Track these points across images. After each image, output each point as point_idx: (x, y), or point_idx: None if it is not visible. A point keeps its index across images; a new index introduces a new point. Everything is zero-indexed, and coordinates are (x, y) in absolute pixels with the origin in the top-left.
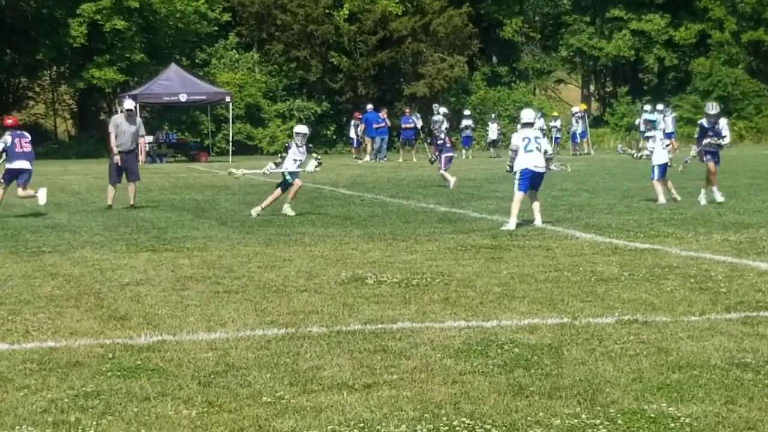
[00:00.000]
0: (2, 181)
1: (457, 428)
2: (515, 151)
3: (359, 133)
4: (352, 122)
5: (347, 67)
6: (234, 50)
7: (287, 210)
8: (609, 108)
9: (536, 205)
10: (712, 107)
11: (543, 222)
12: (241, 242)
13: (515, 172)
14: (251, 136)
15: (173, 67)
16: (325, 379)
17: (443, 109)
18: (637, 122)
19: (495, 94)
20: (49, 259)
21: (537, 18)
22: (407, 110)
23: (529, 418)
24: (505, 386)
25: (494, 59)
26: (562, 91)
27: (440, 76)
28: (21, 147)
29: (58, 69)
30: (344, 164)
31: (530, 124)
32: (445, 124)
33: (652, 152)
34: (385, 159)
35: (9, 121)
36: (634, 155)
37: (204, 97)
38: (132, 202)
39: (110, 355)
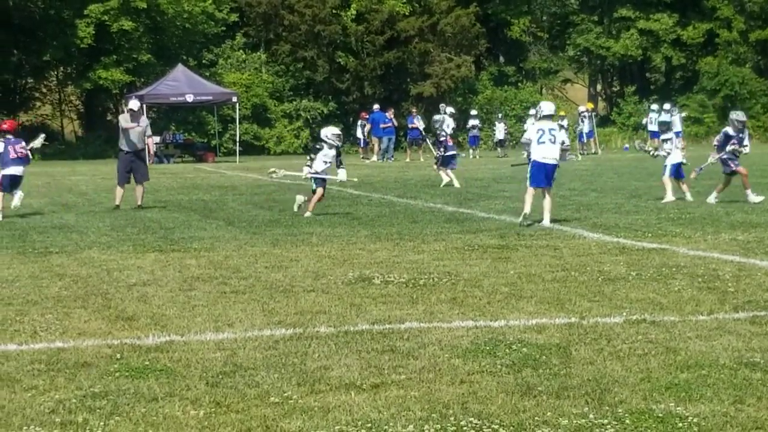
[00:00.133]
0: (2, 189)
1: (465, 428)
2: (528, 144)
3: (366, 133)
4: (359, 122)
5: (354, 67)
6: (241, 50)
7: (305, 212)
8: (616, 107)
9: (546, 204)
10: (742, 114)
11: (551, 222)
12: (249, 242)
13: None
14: (258, 137)
15: (180, 67)
16: (333, 380)
17: (450, 109)
18: (644, 121)
19: (502, 93)
20: (57, 260)
21: (544, 17)
22: (414, 110)
23: (537, 418)
24: (513, 386)
25: (501, 59)
26: (569, 90)
27: (447, 75)
28: (15, 153)
29: (65, 70)
30: (351, 164)
31: (549, 117)
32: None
33: (669, 154)
34: (393, 159)
35: (5, 126)
36: (651, 153)
37: (211, 98)
38: (139, 203)
39: (118, 356)
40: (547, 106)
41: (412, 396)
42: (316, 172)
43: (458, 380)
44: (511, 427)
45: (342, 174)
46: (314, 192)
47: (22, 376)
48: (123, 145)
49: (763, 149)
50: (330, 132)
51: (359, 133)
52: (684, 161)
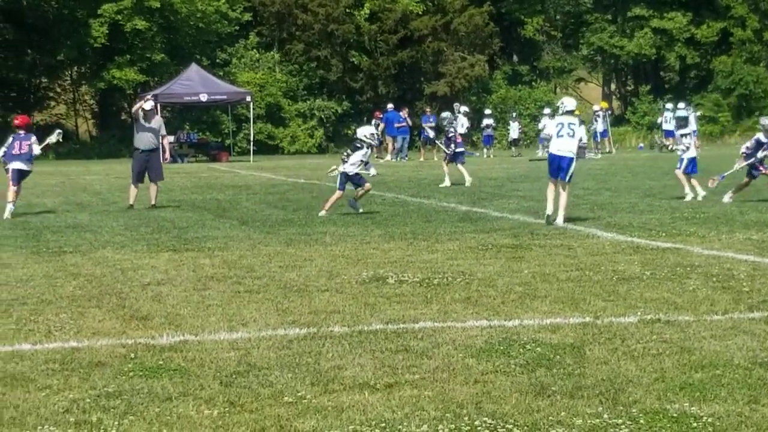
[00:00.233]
0: (11, 182)
1: (479, 428)
2: (548, 140)
3: (380, 132)
4: (373, 121)
5: (368, 67)
6: (254, 50)
7: (323, 213)
8: (630, 106)
9: (562, 202)
10: None
11: (565, 221)
12: (262, 242)
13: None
14: (272, 136)
15: (194, 67)
16: (347, 379)
17: (464, 108)
18: (659, 120)
19: (516, 93)
20: (71, 259)
21: (558, 16)
22: (428, 109)
23: (551, 417)
24: (527, 386)
25: (515, 58)
26: (583, 89)
27: (461, 75)
28: (19, 149)
29: (79, 69)
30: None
31: (571, 113)
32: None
33: (688, 148)
34: (407, 158)
35: (16, 122)
36: (670, 146)
37: (225, 97)
38: (153, 202)
39: (132, 355)
40: (569, 102)
41: (426, 396)
42: (346, 173)
43: (472, 380)
44: (526, 427)
45: (373, 169)
46: (337, 191)
47: (37, 375)
48: (137, 144)
49: None
50: (368, 132)
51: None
52: (694, 156)
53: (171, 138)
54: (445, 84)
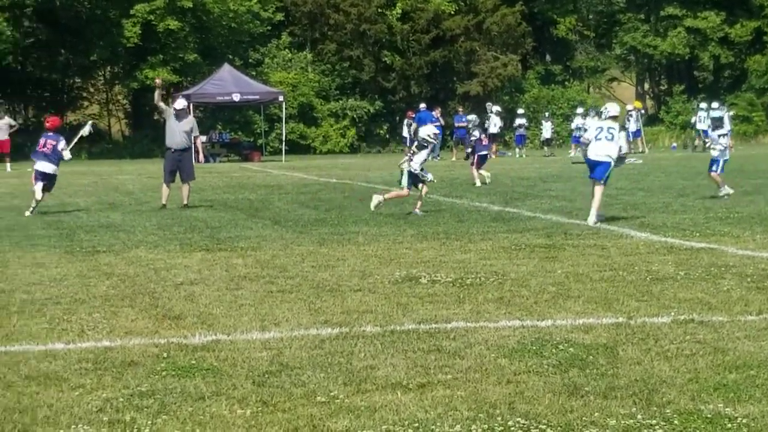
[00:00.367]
0: (35, 180)
1: (512, 428)
2: (586, 145)
3: (412, 132)
4: (405, 121)
5: (400, 66)
6: (287, 50)
7: (373, 206)
8: (664, 106)
9: (595, 202)
10: None
11: (596, 221)
12: (295, 242)
13: None
14: (304, 136)
15: (226, 66)
16: (379, 379)
17: (497, 108)
18: (692, 120)
19: (549, 92)
20: (104, 259)
21: (591, 16)
22: (460, 109)
23: (584, 418)
24: (560, 386)
25: (548, 57)
26: (616, 89)
27: (493, 74)
28: (44, 146)
29: (112, 69)
30: (397, 163)
31: (614, 118)
32: (499, 122)
33: (725, 149)
34: (439, 158)
35: (47, 123)
36: (707, 145)
37: (257, 97)
38: (185, 202)
39: (165, 355)
40: (613, 108)
41: (459, 396)
42: (416, 170)
43: (505, 380)
44: (559, 428)
45: (429, 174)
46: (405, 189)
47: (70, 374)
48: (169, 143)
49: None
50: (430, 131)
51: (405, 132)
52: (727, 158)
53: (203, 138)
54: (477, 84)
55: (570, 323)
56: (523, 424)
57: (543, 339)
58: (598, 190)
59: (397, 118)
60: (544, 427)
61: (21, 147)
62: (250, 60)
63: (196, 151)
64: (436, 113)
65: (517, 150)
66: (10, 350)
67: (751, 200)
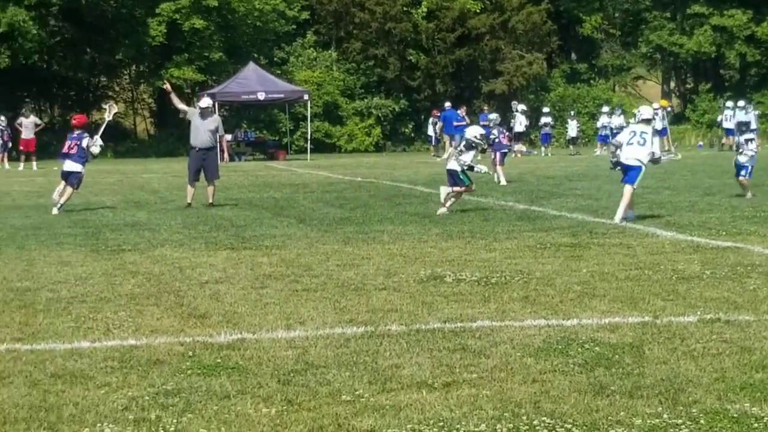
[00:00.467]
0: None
1: (537, 427)
2: (617, 147)
3: (437, 130)
4: (430, 120)
5: (425, 65)
6: (312, 48)
7: (443, 209)
8: (690, 104)
9: (623, 201)
10: None
11: (621, 219)
12: (320, 240)
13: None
14: (329, 134)
15: (251, 65)
16: (405, 378)
17: (522, 106)
18: (719, 119)
19: (574, 91)
20: (130, 257)
21: (616, 14)
22: (485, 107)
23: (610, 417)
24: (585, 385)
25: (573, 56)
26: (641, 87)
27: (519, 73)
28: (68, 148)
29: (138, 68)
30: (422, 162)
31: (647, 121)
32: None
33: (755, 153)
34: None
35: (73, 121)
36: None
37: (282, 96)
38: (211, 201)
39: (190, 353)
40: (645, 111)
41: (484, 395)
42: (470, 166)
43: (530, 379)
44: (584, 427)
45: (483, 167)
46: (465, 186)
47: (96, 373)
48: (193, 142)
49: None
50: (477, 132)
51: (430, 131)
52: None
53: (229, 137)
54: (503, 82)
55: (596, 322)
56: (549, 423)
57: (568, 338)
58: (627, 190)
59: (422, 116)
60: (569, 426)
61: (47, 146)
62: (275, 59)
63: (221, 150)
64: (462, 112)
65: (542, 149)
66: (36, 348)
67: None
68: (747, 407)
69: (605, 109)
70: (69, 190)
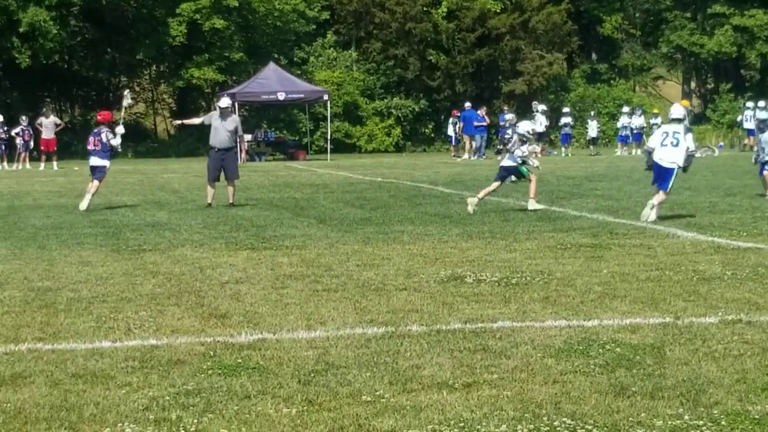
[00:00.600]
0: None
1: (558, 428)
2: (649, 152)
3: (457, 130)
4: (450, 120)
5: (445, 65)
6: (332, 48)
7: (535, 205)
8: (711, 104)
9: (655, 199)
10: None
11: (649, 220)
12: (340, 240)
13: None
14: (349, 134)
15: (271, 65)
16: (425, 378)
17: (542, 107)
18: (739, 119)
19: (594, 91)
20: (150, 257)
21: (637, 14)
22: (505, 107)
23: (631, 418)
24: (606, 386)
25: (594, 56)
26: (662, 88)
27: (539, 73)
28: (93, 144)
29: (158, 68)
30: (443, 162)
31: (678, 120)
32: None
33: None
34: (484, 157)
35: (98, 117)
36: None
37: (302, 96)
38: (231, 201)
39: (211, 353)
40: (676, 110)
41: (505, 395)
42: (518, 162)
43: (551, 380)
44: (605, 428)
45: (536, 161)
46: (529, 179)
47: (117, 373)
48: (213, 142)
49: None
50: (529, 127)
51: (450, 131)
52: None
53: (248, 137)
54: (523, 82)
55: (616, 323)
56: (569, 424)
57: (589, 339)
58: (661, 195)
59: (442, 117)
60: (590, 427)
61: (67, 146)
62: (295, 59)
63: (240, 150)
64: (482, 112)
65: (562, 149)
66: (57, 348)
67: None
68: None
69: (625, 109)
70: (95, 183)
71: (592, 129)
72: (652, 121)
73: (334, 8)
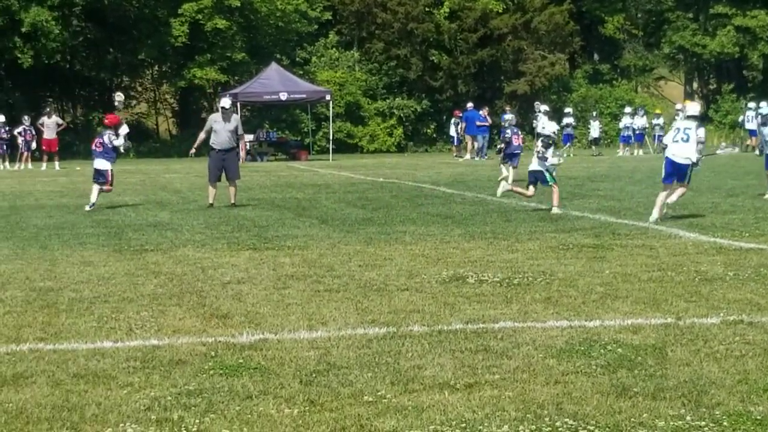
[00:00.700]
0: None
1: (560, 429)
2: (663, 149)
3: (459, 131)
4: (453, 120)
5: (447, 65)
6: (334, 49)
7: (557, 211)
8: (713, 105)
9: (675, 194)
10: None
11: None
12: (342, 241)
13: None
14: (351, 135)
15: (273, 65)
16: (427, 379)
17: (544, 107)
18: (740, 119)
19: (596, 91)
20: (152, 258)
21: (639, 15)
22: (507, 108)
23: (632, 419)
24: (608, 387)
25: (596, 57)
26: (664, 88)
27: (541, 73)
28: (94, 146)
29: (160, 68)
30: (445, 162)
31: (694, 117)
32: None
33: None
34: (486, 157)
35: (105, 121)
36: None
37: (304, 96)
38: (233, 201)
39: (212, 354)
40: (691, 107)
41: (507, 396)
42: (545, 168)
43: (553, 380)
44: (607, 428)
45: (560, 158)
46: (555, 182)
47: (118, 373)
48: (213, 143)
49: None
50: (555, 128)
51: (452, 131)
52: None
53: (250, 137)
54: (525, 83)
55: (618, 324)
56: (571, 424)
57: (591, 339)
58: (681, 190)
59: (444, 117)
60: (592, 428)
61: (69, 146)
62: (297, 59)
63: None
64: (484, 113)
65: (564, 149)
66: (59, 348)
67: None
68: None
69: (628, 109)
70: (95, 187)
71: (594, 129)
72: (654, 121)
73: (336, 8)
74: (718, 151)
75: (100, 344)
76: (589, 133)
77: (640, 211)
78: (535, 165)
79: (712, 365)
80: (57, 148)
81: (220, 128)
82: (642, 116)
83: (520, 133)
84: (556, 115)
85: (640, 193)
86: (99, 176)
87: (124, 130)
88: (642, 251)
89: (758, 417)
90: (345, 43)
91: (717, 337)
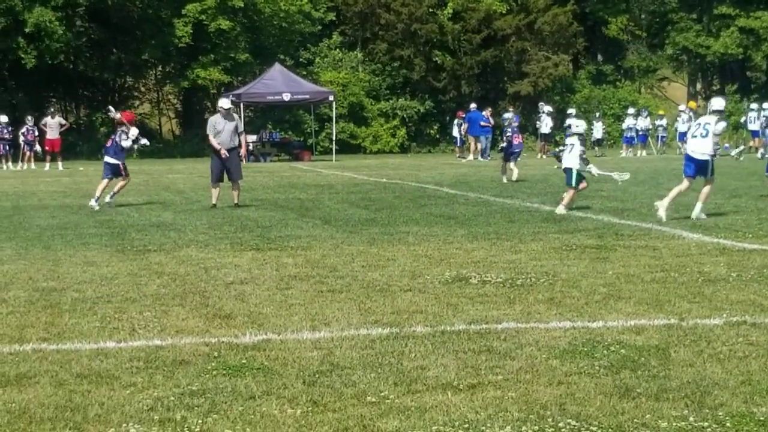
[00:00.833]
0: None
1: (563, 429)
2: (685, 142)
3: (462, 132)
4: (456, 121)
5: (451, 66)
6: (337, 49)
7: (562, 210)
8: None
9: (702, 194)
10: None
11: (700, 213)
12: (345, 241)
13: None
14: (354, 135)
15: (277, 66)
16: (430, 379)
17: (548, 108)
18: (743, 120)
19: (600, 92)
20: (155, 258)
21: (643, 16)
22: (511, 108)
23: (635, 420)
24: (611, 388)
25: (599, 57)
26: (668, 89)
27: (544, 74)
28: (108, 143)
29: (164, 69)
30: (448, 163)
31: (717, 112)
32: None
33: None
34: (489, 158)
35: (118, 116)
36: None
37: (307, 97)
38: (236, 201)
39: (215, 354)
40: (716, 102)
41: (510, 397)
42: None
43: (556, 381)
44: (610, 429)
45: (623, 176)
46: (576, 187)
47: (121, 373)
48: (215, 143)
49: None
50: (585, 126)
51: (455, 132)
52: None
53: (253, 137)
54: (528, 84)
55: (621, 324)
56: (574, 425)
57: (594, 340)
58: (706, 184)
59: (448, 118)
60: (594, 428)
61: (72, 146)
62: (300, 60)
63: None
64: (487, 113)
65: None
66: (62, 348)
67: None
68: None
69: (631, 110)
70: (104, 181)
71: (598, 130)
72: (658, 122)
73: (339, 9)
74: (732, 153)
75: (103, 344)
76: (592, 134)
77: (643, 212)
78: (568, 162)
79: (715, 366)
80: (60, 149)
81: (222, 129)
82: (646, 117)
83: (518, 131)
84: (559, 116)
85: (643, 194)
86: (110, 171)
87: (134, 132)
88: (645, 252)
89: (761, 418)
90: (348, 43)
91: (720, 338)
